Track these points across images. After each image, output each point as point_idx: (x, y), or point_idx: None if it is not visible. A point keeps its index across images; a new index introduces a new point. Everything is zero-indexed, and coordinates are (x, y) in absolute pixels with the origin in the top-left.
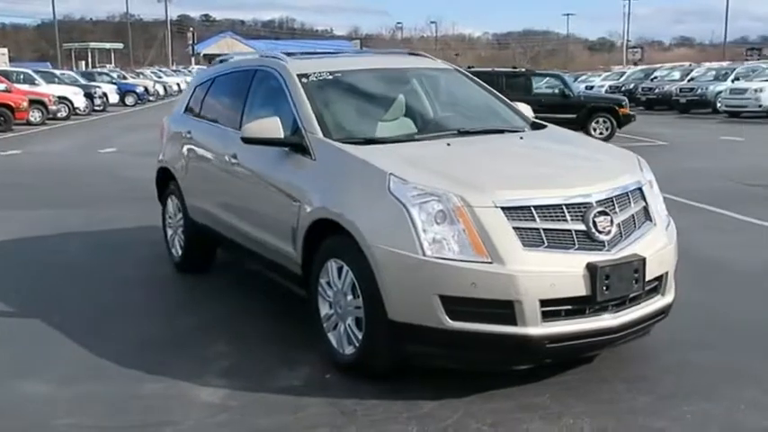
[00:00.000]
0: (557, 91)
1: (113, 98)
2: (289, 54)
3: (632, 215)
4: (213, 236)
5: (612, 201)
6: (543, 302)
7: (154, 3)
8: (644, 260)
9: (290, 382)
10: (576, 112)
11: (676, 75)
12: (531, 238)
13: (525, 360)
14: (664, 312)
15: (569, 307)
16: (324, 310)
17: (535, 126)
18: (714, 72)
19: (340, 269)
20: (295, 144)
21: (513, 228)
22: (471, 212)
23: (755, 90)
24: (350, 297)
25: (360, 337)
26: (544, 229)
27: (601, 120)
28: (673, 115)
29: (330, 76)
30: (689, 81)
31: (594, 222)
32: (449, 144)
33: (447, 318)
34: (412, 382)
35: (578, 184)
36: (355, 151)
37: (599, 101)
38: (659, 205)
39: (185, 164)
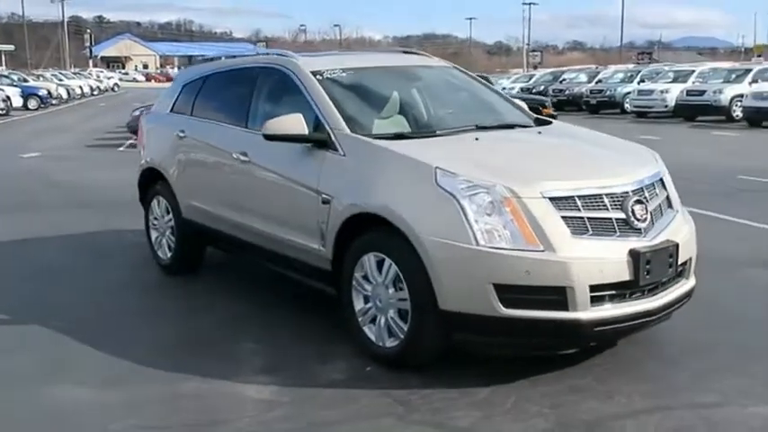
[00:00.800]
0: None
1: (17, 101)
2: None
3: (659, 204)
4: (212, 235)
5: (643, 190)
6: (592, 288)
7: (44, 3)
8: (677, 245)
9: (332, 376)
10: None
11: (583, 77)
12: (577, 227)
13: (574, 344)
14: (689, 295)
15: (613, 292)
16: (358, 304)
17: (539, 122)
18: (621, 74)
19: (380, 262)
20: (319, 140)
21: (561, 217)
22: (520, 203)
23: (662, 91)
24: (392, 290)
25: (405, 328)
26: (588, 218)
27: None
28: (583, 116)
29: (343, 74)
30: (597, 83)
31: (633, 210)
32: (477, 138)
33: (501, 305)
34: (452, 370)
35: (614, 175)
36: (392, 146)
37: (525, 101)
38: (675, 194)
39: (179, 163)
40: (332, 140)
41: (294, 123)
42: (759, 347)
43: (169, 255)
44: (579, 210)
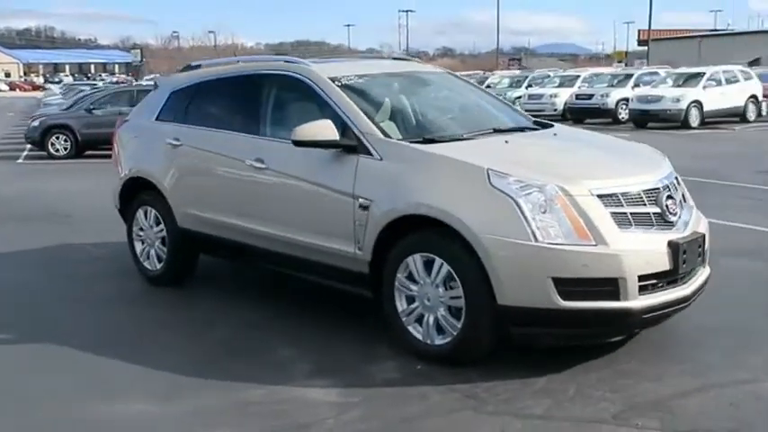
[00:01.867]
0: None
1: None
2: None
3: (680, 199)
4: (213, 243)
5: (669, 186)
6: (639, 278)
7: None
8: (704, 236)
9: (388, 375)
10: None
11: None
12: (621, 222)
13: (623, 331)
14: (706, 282)
15: (655, 281)
16: (401, 305)
17: (539, 125)
18: (508, 80)
19: (428, 263)
20: (349, 146)
21: (609, 213)
22: (572, 200)
23: (551, 95)
24: (441, 289)
25: (458, 325)
26: (630, 213)
27: None
28: None
29: (360, 80)
30: (487, 88)
31: (666, 205)
32: (507, 141)
33: (559, 298)
34: (502, 362)
35: (645, 172)
36: (434, 149)
37: None
38: (686, 191)
39: (174, 172)
40: (364, 145)
41: (324, 129)
42: (763, 328)
43: (159, 266)
44: (622, 205)
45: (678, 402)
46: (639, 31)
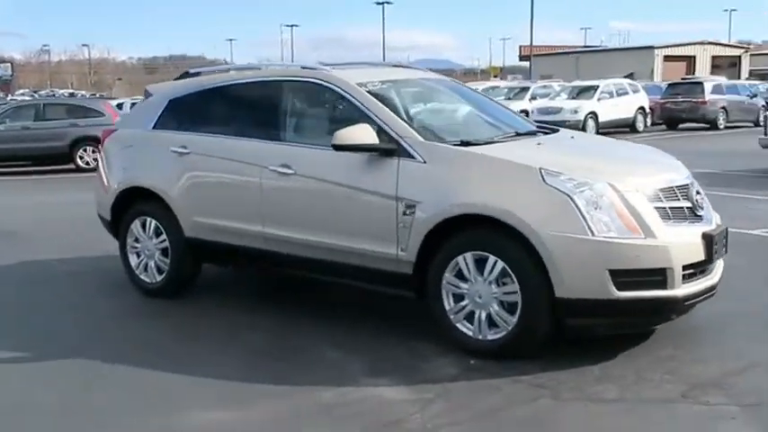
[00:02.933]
0: None
1: None
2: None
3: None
4: (226, 251)
5: (694, 183)
6: (683, 267)
7: None
8: (727, 228)
9: (447, 371)
10: None
11: None
12: (663, 216)
13: (666, 318)
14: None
15: (692, 270)
16: (449, 303)
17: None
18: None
19: (480, 261)
20: (388, 149)
21: (653, 207)
22: (620, 196)
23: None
24: (494, 286)
25: (512, 319)
26: (669, 208)
27: None
28: None
29: (383, 86)
30: None
31: (696, 200)
32: (539, 144)
33: (615, 289)
34: (549, 355)
35: (673, 171)
36: (481, 151)
37: None
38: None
39: (183, 180)
40: (404, 148)
41: (364, 133)
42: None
43: (160, 278)
44: (662, 200)
45: (734, 380)
46: (521, 47)
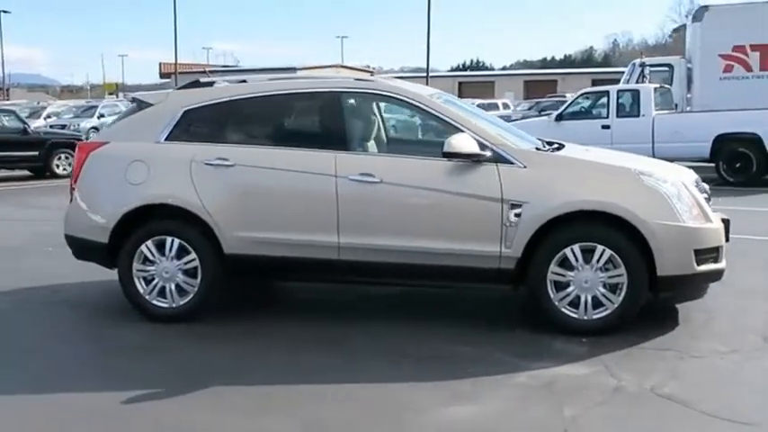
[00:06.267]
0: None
1: None
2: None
3: None
4: (280, 265)
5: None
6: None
7: None
8: (728, 219)
9: (574, 350)
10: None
11: None
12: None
13: (706, 288)
14: None
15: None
16: (552, 291)
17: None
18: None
19: (587, 251)
20: (483, 156)
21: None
22: (688, 190)
23: None
24: (600, 272)
25: (617, 299)
26: (704, 198)
27: (63, 156)
28: None
29: (440, 98)
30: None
31: (708, 193)
32: (587, 149)
33: (695, 264)
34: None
35: (685, 170)
36: (577, 156)
37: (59, 137)
38: None
39: (225, 194)
40: (500, 155)
41: (468, 142)
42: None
43: (182, 302)
44: (699, 192)
45: None
46: (161, 64)
